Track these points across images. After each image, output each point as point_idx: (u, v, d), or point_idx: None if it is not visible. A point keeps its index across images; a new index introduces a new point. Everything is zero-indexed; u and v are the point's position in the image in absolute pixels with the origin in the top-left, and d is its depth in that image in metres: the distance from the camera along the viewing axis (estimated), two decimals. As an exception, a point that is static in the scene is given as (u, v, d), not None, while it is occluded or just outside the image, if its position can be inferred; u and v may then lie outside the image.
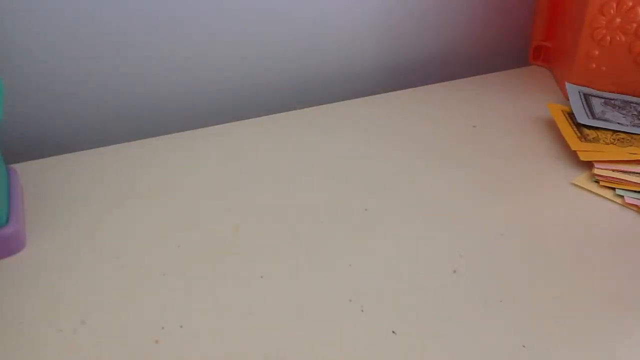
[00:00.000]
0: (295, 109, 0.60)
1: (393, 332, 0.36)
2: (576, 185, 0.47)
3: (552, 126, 0.55)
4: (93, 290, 0.40)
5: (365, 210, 0.46)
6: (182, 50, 0.60)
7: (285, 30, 0.63)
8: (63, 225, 0.45)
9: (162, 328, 0.37)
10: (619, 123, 0.52)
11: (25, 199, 0.48)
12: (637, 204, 0.45)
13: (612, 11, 0.54)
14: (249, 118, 0.59)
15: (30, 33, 0.53)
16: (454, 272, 0.40)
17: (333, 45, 0.66)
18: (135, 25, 0.56)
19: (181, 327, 0.37)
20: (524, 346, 0.35)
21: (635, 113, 0.54)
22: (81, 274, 0.41)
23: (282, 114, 0.59)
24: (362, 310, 0.37)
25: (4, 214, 0.42)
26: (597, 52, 0.57)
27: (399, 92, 0.62)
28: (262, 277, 0.41)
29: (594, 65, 0.57)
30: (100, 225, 0.45)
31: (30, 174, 0.50)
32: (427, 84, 0.64)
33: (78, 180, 0.50)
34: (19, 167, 0.50)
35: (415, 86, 0.65)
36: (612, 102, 0.56)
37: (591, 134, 0.52)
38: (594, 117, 0.53)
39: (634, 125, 0.52)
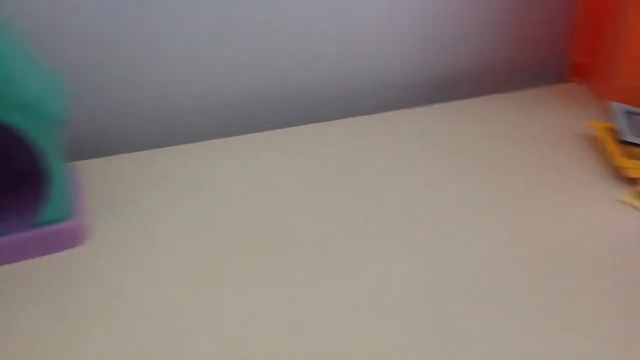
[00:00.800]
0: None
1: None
2: (621, 201, 0.48)
3: (591, 142, 0.56)
4: (154, 284, 0.41)
5: (420, 213, 0.47)
6: (252, 57, 0.61)
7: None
8: (122, 221, 0.47)
9: (229, 323, 0.38)
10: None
11: (86, 195, 0.49)
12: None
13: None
14: (298, 125, 0.62)
15: (96, 34, 0.55)
16: (501, 281, 0.41)
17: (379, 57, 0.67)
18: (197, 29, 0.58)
19: (243, 323, 0.38)
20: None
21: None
22: (141, 268, 0.43)
23: (331, 122, 0.61)
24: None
25: (67, 208, 0.44)
26: (638, 69, 0.57)
27: (437, 105, 0.64)
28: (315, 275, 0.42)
29: (634, 82, 0.58)
30: (159, 223, 0.47)
31: (92, 171, 0.52)
32: (463, 98, 0.65)
33: (138, 178, 0.53)
34: (80, 165, 0.52)
35: (451, 100, 0.66)
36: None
37: (635, 150, 0.52)
38: (638, 134, 0.54)
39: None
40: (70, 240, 0.44)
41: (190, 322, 0.38)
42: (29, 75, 0.39)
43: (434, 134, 0.58)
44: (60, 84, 0.44)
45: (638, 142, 0.53)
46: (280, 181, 0.52)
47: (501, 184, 0.51)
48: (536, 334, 0.37)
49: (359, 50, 0.66)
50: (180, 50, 0.59)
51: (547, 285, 0.40)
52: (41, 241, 0.43)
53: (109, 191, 0.50)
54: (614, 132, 0.55)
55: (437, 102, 0.68)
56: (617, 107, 0.57)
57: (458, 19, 0.68)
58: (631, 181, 0.50)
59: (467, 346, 0.36)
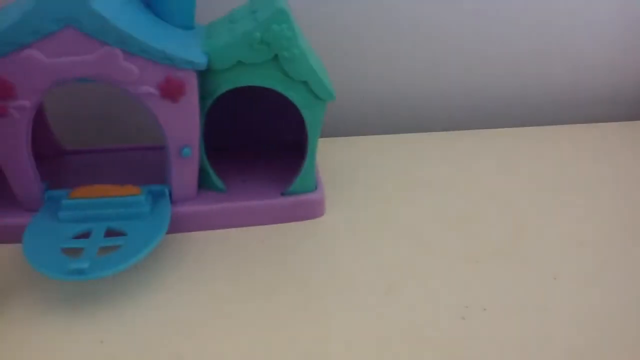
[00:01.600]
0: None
1: None
2: None
3: None
4: (392, 262, 0.43)
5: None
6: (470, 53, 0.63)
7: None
8: (354, 200, 0.50)
9: (466, 307, 0.39)
10: None
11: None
12: None
13: None
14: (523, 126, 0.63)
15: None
16: None
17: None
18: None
19: (485, 309, 0.39)
20: None
21: None
22: (376, 244, 0.45)
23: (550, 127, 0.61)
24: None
25: (314, 180, 0.47)
26: None
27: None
28: (555, 278, 0.42)
29: None
30: (390, 204, 0.49)
31: (325, 150, 0.56)
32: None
33: (365, 161, 0.55)
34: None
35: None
36: None
37: None
38: None
39: None
40: (315, 210, 0.47)
41: (442, 303, 0.39)
42: (310, 55, 0.43)
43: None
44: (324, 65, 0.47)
45: None
46: (504, 177, 0.53)
47: None
48: None
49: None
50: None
51: None
52: (291, 209, 0.47)
53: (338, 169, 0.53)
54: None
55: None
56: None
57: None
58: None
59: None
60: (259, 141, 0.53)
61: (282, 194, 0.47)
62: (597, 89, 0.68)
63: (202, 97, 0.42)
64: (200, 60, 0.40)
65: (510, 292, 0.40)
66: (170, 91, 0.40)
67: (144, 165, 0.49)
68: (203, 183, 0.46)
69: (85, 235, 0.40)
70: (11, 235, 0.41)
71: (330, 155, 0.56)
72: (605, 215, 0.49)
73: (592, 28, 0.64)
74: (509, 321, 0.38)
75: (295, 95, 0.43)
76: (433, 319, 0.38)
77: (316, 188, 0.48)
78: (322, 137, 0.46)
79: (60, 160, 0.51)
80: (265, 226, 0.47)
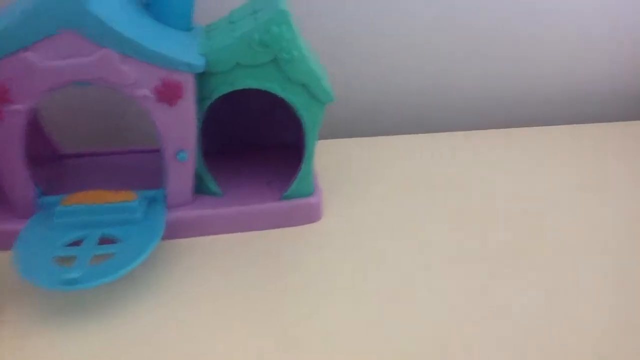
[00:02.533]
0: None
1: None
2: None
3: None
4: (393, 267, 0.42)
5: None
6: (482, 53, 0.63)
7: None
8: (352, 204, 0.49)
9: (474, 311, 0.39)
10: None
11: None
12: None
13: None
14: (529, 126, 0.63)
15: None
16: None
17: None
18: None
19: (492, 312, 0.39)
20: None
21: None
22: (376, 249, 0.44)
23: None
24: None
25: (312, 184, 0.47)
26: None
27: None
28: (562, 281, 0.42)
29: None
30: (389, 207, 0.49)
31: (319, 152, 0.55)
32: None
33: (363, 163, 0.55)
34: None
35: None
36: None
37: None
38: None
39: None
40: (312, 215, 0.47)
41: (448, 308, 0.39)
42: (310, 57, 0.42)
43: None
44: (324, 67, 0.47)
45: None
46: (512, 177, 0.53)
47: None
48: None
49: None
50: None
51: None
52: (288, 214, 0.46)
53: (338, 172, 0.53)
54: None
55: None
56: None
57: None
58: None
59: None
60: (257, 143, 0.52)
61: (280, 199, 0.46)
62: (597, 88, 0.69)
63: (200, 100, 0.42)
64: (198, 62, 0.40)
65: (519, 295, 0.40)
66: (167, 94, 0.40)
67: (141, 169, 0.48)
68: (199, 188, 0.46)
69: (79, 242, 0.39)
70: (4, 243, 0.40)
71: (327, 158, 0.55)
72: (613, 217, 0.48)
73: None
74: (519, 325, 0.37)
75: (294, 98, 0.42)
76: (440, 326, 0.37)
77: (314, 192, 0.47)
78: (319, 139, 0.46)
79: (56, 163, 0.49)
80: (263, 231, 0.46)
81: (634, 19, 0.65)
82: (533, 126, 0.64)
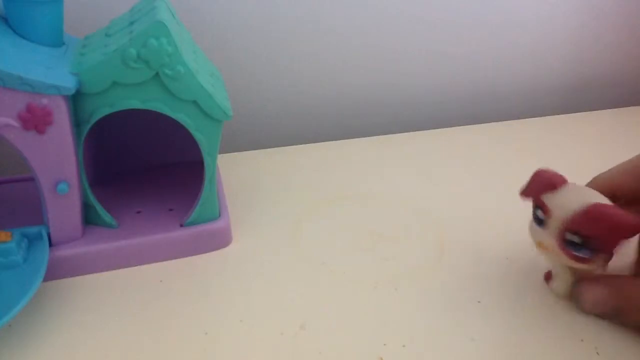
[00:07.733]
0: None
1: None
2: None
3: None
4: (304, 293, 0.39)
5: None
6: (371, 58, 0.60)
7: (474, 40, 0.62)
8: (264, 223, 0.46)
9: (384, 345, 0.36)
10: None
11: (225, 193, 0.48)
12: None
13: None
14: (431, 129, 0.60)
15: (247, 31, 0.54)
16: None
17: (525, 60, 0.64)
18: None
19: (404, 346, 0.36)
20: None
21: None
22: (289, 275, 0.41)
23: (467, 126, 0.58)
24: None
25: (216, 207, 0.43)
26: None
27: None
28: (479, 302, 0.39)
29: None
30: (301, 227, 0.45)
31: (225, 167, 0.51)
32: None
33: (273, 176, 0.51)
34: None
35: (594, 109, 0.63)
36: None
37: None
38: None
39: None
40: (219, 241, 0.43)
41: (358, 341, 0.36)
42: (199, 70, 0.38)
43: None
44: (221, 79, 0.42)
45: None
46: (422, 184, 0.49)
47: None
48: None
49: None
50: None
51: None
52: (193, 242, 0.42)
53: (246, 189, 0.49)
54: None
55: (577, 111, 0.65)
56: None
57: (610, 24, 0.63)
58: None
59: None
60: (160, 163, 0.48)
61: (182, 225, 0.42)
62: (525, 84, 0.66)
63: (77, 124, 0.37)
64: (67, 83, 0.35)
65: (430, 325, 0.36)
66: (34, 121, 0.35)
67: (20, 202, 0.43)
68: (90, 219, 0.41)
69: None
70: None
71: (232, 173, 0.51)
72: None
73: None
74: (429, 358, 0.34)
75: (185, 117, 0.38)
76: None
77: (220, 215, 0.43)
78: (221, 152, 0.41)
79: None
80: (165, 262, 0.42)
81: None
82: (432, 129, 0.62)
